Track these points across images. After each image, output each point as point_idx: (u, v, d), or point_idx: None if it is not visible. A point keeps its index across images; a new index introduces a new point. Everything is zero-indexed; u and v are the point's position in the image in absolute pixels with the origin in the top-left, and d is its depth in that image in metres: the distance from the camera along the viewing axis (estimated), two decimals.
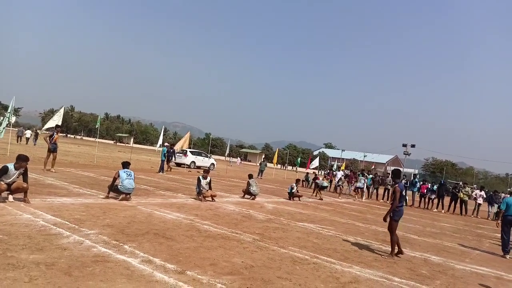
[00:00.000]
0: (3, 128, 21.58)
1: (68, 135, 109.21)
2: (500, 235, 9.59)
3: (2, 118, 21.44)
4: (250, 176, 13.80)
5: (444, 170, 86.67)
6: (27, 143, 33.15)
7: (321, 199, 17.24)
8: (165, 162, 20.64)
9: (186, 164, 28.14)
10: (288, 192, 15.45)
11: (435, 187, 21.14)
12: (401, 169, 12.57)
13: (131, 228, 6.43)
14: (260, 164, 32.63)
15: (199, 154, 31.58)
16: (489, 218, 19.63)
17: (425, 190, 20.40)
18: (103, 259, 4.60)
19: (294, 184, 15.57)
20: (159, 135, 25.83)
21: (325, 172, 25.13)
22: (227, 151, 35.46)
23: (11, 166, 7.32)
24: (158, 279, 4.19)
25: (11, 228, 5.40)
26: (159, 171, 19.94)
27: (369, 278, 5.45)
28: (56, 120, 18.83)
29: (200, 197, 11.13)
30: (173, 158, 21.85)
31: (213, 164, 29.93)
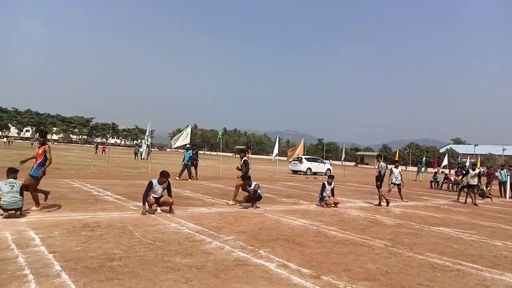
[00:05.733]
0: (143, 150, 24.99)
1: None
2: None
3: (141, 141, 24.80)
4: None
5: None
6: (136, 158, 36.53)
7: (476, 204, 14.52)
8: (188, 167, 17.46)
9: (302, 171, 28.54)
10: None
11: None
12: None
13: (262, 234, 6.80)
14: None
15: (314, 160, 31.87)
16: None
17: None
18: (243, 263, 4.97)
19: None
20: (274, 144, 26.82)
21: (456, 170, 22.70)
22: (343, 155, 34.74)
23: (155, 181, 8.33)
24: (296, 282, 4.35)
25: (163, 236, 6.22)
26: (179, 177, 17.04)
27: None
28: (185, 138, 21.06)
29: (322, 203, 11.14)
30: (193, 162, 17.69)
31: (329, 169, 29.68)
